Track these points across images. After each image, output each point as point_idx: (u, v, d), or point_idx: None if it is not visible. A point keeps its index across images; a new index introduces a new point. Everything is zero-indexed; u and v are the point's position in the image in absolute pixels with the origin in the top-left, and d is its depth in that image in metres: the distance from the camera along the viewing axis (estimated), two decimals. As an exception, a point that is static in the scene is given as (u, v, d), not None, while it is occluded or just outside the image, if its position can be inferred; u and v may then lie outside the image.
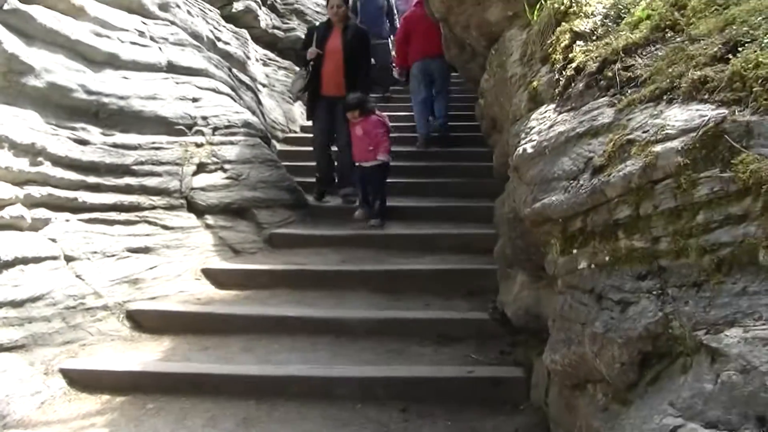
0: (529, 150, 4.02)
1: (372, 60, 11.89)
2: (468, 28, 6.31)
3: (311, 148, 11.66)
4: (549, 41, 4.56)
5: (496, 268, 6.25)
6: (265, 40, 14.69)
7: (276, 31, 15.07)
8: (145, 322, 6.87)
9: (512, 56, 5.31)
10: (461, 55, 7.49)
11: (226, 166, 9.22)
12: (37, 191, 6.69)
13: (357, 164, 9.82)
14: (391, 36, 14.72)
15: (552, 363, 3.55)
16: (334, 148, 10.70)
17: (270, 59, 14.45)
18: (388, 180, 9.73)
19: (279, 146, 11.88)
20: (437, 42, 9.21)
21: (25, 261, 6.19)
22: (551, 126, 3.93)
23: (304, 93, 10.66)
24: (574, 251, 3.47)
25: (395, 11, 15.23)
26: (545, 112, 4.16)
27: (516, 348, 5.95)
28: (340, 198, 10.46)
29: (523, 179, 4.13)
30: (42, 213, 6.70)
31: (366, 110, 9.68)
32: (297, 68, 14.11)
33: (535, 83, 4.52)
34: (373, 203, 9.57)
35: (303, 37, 12.93)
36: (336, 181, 10.80)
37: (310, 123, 11.19)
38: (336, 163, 10.76)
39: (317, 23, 12.38)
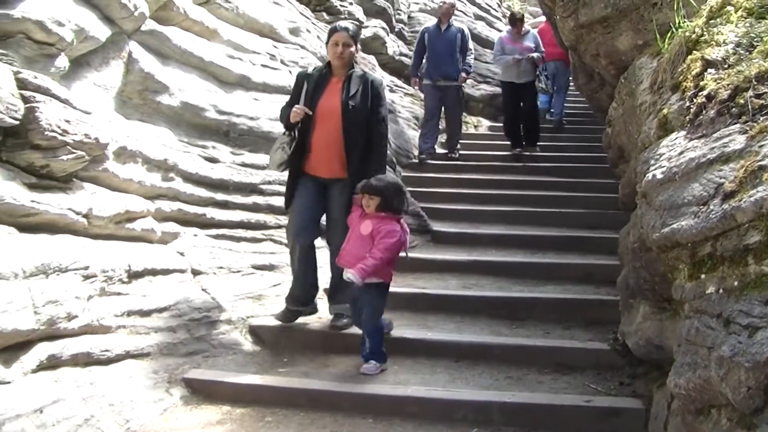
0: (659, 176, 4.01)
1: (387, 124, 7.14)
2: (597, 57, 6.30)
3: (435, 174, 11.81)
4: (680, 69, 4.54)
5: (617, 299, 6.15)
6: (391, 66, 14.92)
7: (403, 57, 15.24)
8: (267, 338, 6.99)
9: (642, 84, 5.29)
10: (589, 84, 7.47)
11: (351, 189, 9.34)
12: (168, 206, 6.96)
13: (343, 274, 6.24)
14: (463, 74, 12.99)
15: (676, 387, 3.51)
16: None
17: (396, 86, 14.57)
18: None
19: (403, 172, 11.92)
20: (558, 48, 10.79)
21: (153, 273, 6.45)
22: (681, 152, 3.91)
23: (285, 169, 6.97)
24: (703, 276, 3.44)
25: (470, 47, 13.19)
26: (675, 139, 4.14)
27: (636, 380, 5.86)
28: (331, 317, 7.11)
29: (651, 205, 4.11)
30: (171, 227, 6.96)
31: (390, 207, 6.29)
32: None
33: (665, 111, 4.49)
34: (364, 337, 6.42)
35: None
36: (326, 296, 7.29)
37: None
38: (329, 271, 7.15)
39: (310, 68, 7.56)
